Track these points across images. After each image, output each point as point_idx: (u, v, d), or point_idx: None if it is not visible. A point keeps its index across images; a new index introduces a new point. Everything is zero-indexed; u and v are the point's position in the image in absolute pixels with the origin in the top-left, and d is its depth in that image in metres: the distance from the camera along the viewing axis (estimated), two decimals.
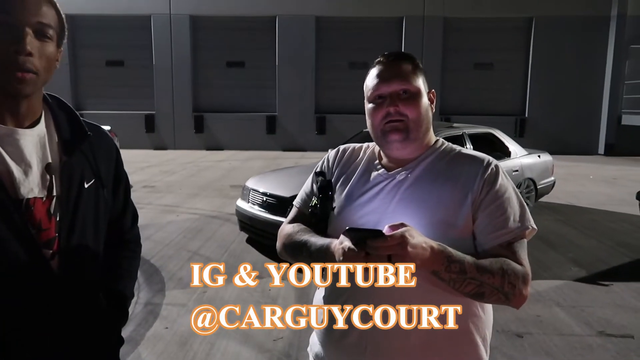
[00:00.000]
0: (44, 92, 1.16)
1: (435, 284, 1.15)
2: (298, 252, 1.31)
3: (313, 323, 1.40)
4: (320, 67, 16.58)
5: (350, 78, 16.55)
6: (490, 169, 1.22)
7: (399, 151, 1.27)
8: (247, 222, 5.37)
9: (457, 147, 1.33)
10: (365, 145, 1.43)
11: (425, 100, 1.28)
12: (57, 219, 1.11)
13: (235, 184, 9.49)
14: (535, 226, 1.21)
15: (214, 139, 16.64)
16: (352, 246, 1.05)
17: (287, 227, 1.40)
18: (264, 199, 5.18)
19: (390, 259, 1.01)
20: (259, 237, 5.30)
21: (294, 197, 5.18)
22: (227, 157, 14.25)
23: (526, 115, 16.68)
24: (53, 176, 1.10)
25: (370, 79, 1.29)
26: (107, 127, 9.63)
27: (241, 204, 5.53)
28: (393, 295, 1.18)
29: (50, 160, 1.11)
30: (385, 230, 1.03)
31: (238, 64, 16.76)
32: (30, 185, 1.07)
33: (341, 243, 1.10)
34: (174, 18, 16.28)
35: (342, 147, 1.45)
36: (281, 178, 5.66)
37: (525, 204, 1.24)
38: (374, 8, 16.02)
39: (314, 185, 1.39)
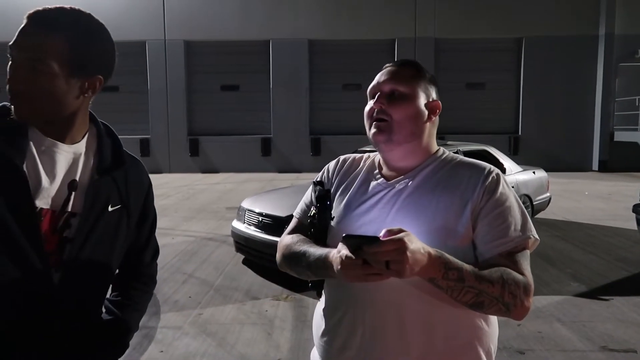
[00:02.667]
0: (98, 120, 1.23)
1: (436, 296, 1.12)
2: (297, 262, 1.28)
3: (314, 338, 1.37)
4: (314, 90, 16.73)
5: (344, 100, 16.72)
6: (491, 177, 1.20)
7: (387, 154, 1.27)
8: (243, 243, 5.32)
9: (458, 156, 1.31)
10: (365, 155, 1.41)
11: (418, 104, 1.25)
12: (65, 234, 1.12)
13: (231, 206, 9.44)
14: (537, 237, 1.18)
15: (209, 161, 16.63)
16: (350, 254, 1.02)
17: (286, 238, 1.37)
18: (260, 219, 5.14)
19: (388, 265, 0.98)
20: (255, 257, 5.24)
21: (290, 216, 5.14)
22: (222, 180, 14.22)
23: (519, 134, 16.81)
24: (73, 193, 1.13)
25: (374, 80, 1.30)
26: None
27: (237, 224, 5.48)
28: (392, 309, 1.15)
29: (76, 178, 1.14)
30: (383, 235, 1.00)
31: (232, 87, 16.88)
32: (48, 197, 1.10)
33: (339, 252, 1.07)
34: (169, 43, 16.44)
35: (342, 157, 1.43)
36: (277, 198, 5.64)
37: (527, 213, 1.21)
38: (366, 31, 16.26)
39: (313, 195, 1.37)
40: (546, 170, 7.94)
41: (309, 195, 1.42)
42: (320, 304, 1.36)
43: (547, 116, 16.47)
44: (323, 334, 1.29)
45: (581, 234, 7.10)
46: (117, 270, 1.30)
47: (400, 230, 1.01)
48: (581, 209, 9.16)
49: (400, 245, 0.97)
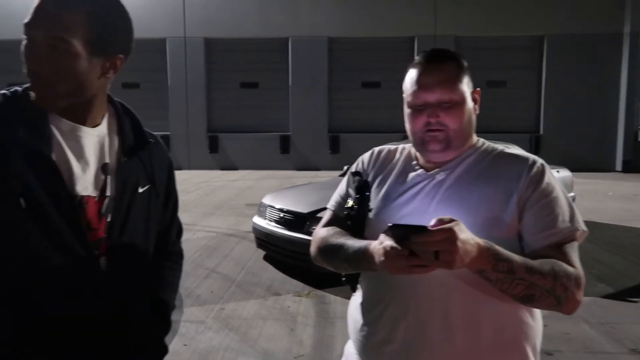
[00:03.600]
0: (114, 99, 1.20)
1: (482, 290, 1.09)
2: (333, 255, 1.26)
3: (350, 332, 1.35)
4: (333, 87, 16.70)
5: (363, 97, 16.67)
6: (536, 167, 1.17)
7: (438, 159, 1.23)
8: (264, 239, 5.34)
9: (499, 147, 1.28)
10: (400, 146, 1.38)
11: (468, 105, 1.22)
12: (108, 219, 1.10)
13: (250, 202, 9.48)
14: (585, 228, 1.15)
15: (228, 159, 16.72)
16: (395, 244, 0.99)
17: (321, 231, 1.35)
18: (281, 215, 5.14)
19: (437, 256, 0.95)
20: (276, 253, 5.26)
21: (312, 213, 5.09)
22: (241, 177, 14.29)
23: (541, 133, 16.55)
24: (108, 177, 1.11)
25: (410, 83, 1.22)
26: None
27: (258, 220, 5.50)
28: (437, 302, 1.13)
29: (107, 161, 1.12)
30: (433, 224, 0.97)
31: (251, 85, 16.94)
32: (86, 183, 1.07)
33: (381, 243, 1.04)
34: (189, 41, 16.56)
35: (376, 148, 1.40)
36: (298, 194, 5.64)
37: (574, 205, 1.18)
38: (386, 28, 16.16)
39: (350, 186, 1.33)
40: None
41: (343, 187, 1.40)
42: (357, 297, 1.34)
43: (569, 115, 16.17)
44: (362, 328, 1.27)
45: (606, 234, 6.96)
46: None
47: (451, 220, 0.98)
48: (605, 209, 8.98)
49: (451, 234, 0.94)
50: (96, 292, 1.08)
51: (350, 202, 1.28)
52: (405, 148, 1.36)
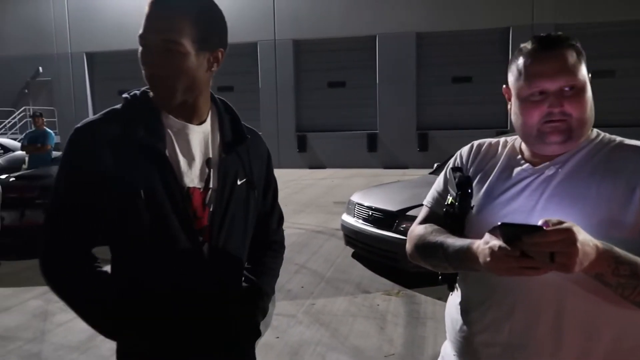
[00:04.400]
0: (216, 97, 1.29)
1: (600, 294, 1.00)
2: (432, 254, 1.21)
3: (448, 332, 1.30)
4: (422, 83, 16.34)
5: (453, 93, 16.15)
6: None
7: (558, 151, 1.13)
8: (352, 237, 5.35)
9: (617, 137, 1.16)
10: (502, 140, 1.30)
11: (589, 92, 1.11)
12: (211, 209, 1.20)
13: (338, 200, 9.56)
14: None
15: (316, 157, 17.01)
16: (504, 244, 0.92)
17: (418, 228, 1.30)
18: (370, 213, 5.12)
19: (553, 258, 0.87)
20: (365, 251, 5.25)
21: (401, 211, 4.98)
22: (328, 175, 14.46)
23: None
24: (212, 170, 1.21)
25: (523, 72, 1.11)
26: None
27: (346, 218, 5.52)
28: (548, 306, 1.05)
29: (210, 156, 1.22)
30: (542, 224, 0.89)
31: (339, 84, 17.08)
32: (192, 176, 1.18)
33: (487, 243, 0.98)
34: (278, 43, 17.06)
35: (475, 142, 1.32)
36: (386, 192, 5.58)
37: None
38: (478, 20, 15.49)
39: (450, 184, 1.26)
40: None
41: (441, 183, 1.34)
42: (455, 297, 1.28)
43: None
44: (461, 329, 1.22)
45: None
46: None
47: (559, 222, 0.89)
48: None
49: (569, 235, 0.86)
50: (199, 275, 1.18)
51: (450, 199, 1.22)
52: (508, 142, 1.28)
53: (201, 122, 1.22)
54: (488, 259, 0.96)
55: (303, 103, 17.42)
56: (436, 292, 4.31)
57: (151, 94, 1.18)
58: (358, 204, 5.38)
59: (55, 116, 18.38)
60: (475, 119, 15.78)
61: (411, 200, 4.92)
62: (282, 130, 17.31)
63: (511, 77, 1.16)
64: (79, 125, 1.14)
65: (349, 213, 5.56)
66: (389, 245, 4.76)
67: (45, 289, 1.44)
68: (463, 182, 1.20)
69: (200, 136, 1.21)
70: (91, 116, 1.18)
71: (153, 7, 1.10)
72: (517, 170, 1.19)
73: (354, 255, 5.60)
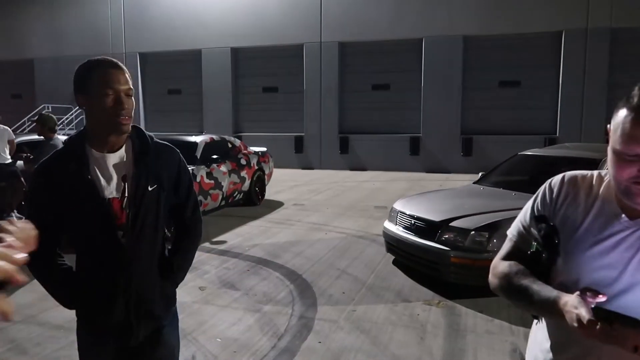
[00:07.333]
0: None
1: None
2: (517, 296, 1.22)
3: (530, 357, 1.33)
4: (468, 87, 16.09)
5: (500, 97, 15.82)
6: None
7: None
8: (394, 244, 5.40)
9: None
10: (595, 174, 1.23)
11: None
12: (127, 211, 1.66)
13: (380, 205, 9.59)
14: None
15: (358, 159, 17.05)
16: (592, 318, 0.94)
17: (502, 265, 1.29)
18: (412, 222, 5.15)
19: (636, 350, 0.91)
20: (406, 259, 5.29)
21: (444, 221, 4.97)
22: (370, 178, 14.48)
23: None
24: (126, 183, 1.67)
25: (622, 129, 1.06)
26: (263, 149, 10.48)
27: (389, 225, 5.57)
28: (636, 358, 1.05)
29: (125, 173, 1.67)
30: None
31: (383, 86, 17.04)
32: (111, 190, 1.66)
33: (575, 307, 0.99)
34: (324, 45, 17.19)
35: (567, 176, 1.26)
36: (429, 201, 5.59)
37: None
38: (529, 23, 15.10)
39: (535, 229, 1.24)
40: None
41: (527, 216, 1.29)
42: (540, 330, 1.29)
43: None
44: None
45: None
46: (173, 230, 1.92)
47: None
48: None
49: None
50: (118, 258, 1.66)
51: (535, 246, 1.22)
52: (603, 179, 1.21)
53: (118, 149, 1.68)
54: (575, 324, 0.98)
55: (347, 105, 17.49)
56: (478, 305, 4.32)
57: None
58: (400, 212, 5.42)
59: None
60: (522, 124, 15.41)
61: (455, 211, 4.93)
62: (325, 131, 17.44)
63: (612, 123, 1.12)
64: (36, 166, 1.71)
65: (391, 220, 5.60)
66: (431, 255, 4.80)
67: None
68: (549, 235, 1.19)
69: (117, 159, 1.68)
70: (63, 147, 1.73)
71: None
72: (612, 220, 1.14)
73: (394, 263, 5.65)
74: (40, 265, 1.67)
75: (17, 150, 7.54)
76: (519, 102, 15.54)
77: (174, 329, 1.88)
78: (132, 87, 1.63)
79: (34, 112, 18.40)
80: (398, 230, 5.34)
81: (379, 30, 16.49)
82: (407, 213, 5.29)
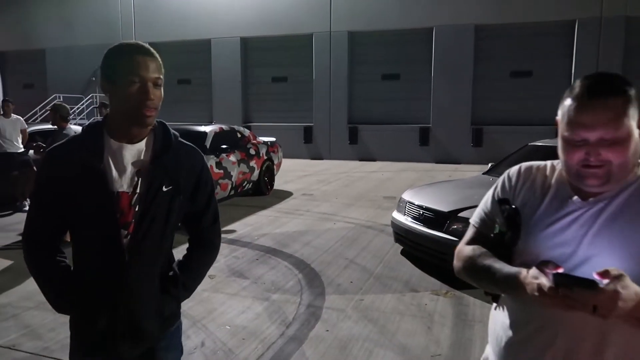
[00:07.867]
0: (157, 121, 1.59)
1: (638, 325, 1.05)
2: (479, 277, 1.28)
3: (490, 343, 1.37)
4: (478, 77, 15.95)
5: (512, 88, 15.69)
6: None
7: (596, 192, 1.16)
8: (402, 234, 5.41)
9: None
10: (549, 164, 1.32)
11: (635, 137, 1.12)
12: (136, 209, 1.50)
13: (389, 195, 9.59)
14: None
15: (367, 150, 17.03)
16: (552, 286, 1.00)
17: (466, 249, 1.36)
18: (421, 212, 5.16)
19: (595, 309, 0.96)
20: (414, 249, 5.30)
21: (452, 212, 4.98)
22: (379, 168, 14.46)
23: None
24: (140, 179, 1.51)
25: (567, 116, 1.15)
26: (272, 139, 10.50)
27: (397, 215, 5.58)
28: (591, 334, 1.11)
29: (140, 167, 1.52)
30: (598, 278, 0.97)
31: (393, 76, 16.96)
32: (122, 183, 1.50)
33: (535, 277, 1.05)
34: (334, 35, 17.11)
35: (523, 166, 1.34)
36: (438, 192, 5.58)
37: None
38: (541, 12, 14.90)
39: (498, 215, 1.30)
40: None
41: (488, 205, 1.37)
42: (500, 312, 1.35)
43: None
44: (505, 345, 1.28)
45: None
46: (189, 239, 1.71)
47: (620, 274, 0.98)
48: None
49: (615, 296, 0.95)
50: (118, 258, 1.49)
51: (497, 228, 1.27)
52: (556, 168, 1.30)
53: (139, 141, 1.53)
54: (536, 293, 1.04)
55: (356, 95, 17.43)
56: (485, 295, 4.32)
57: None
58: (409, 202, 5.42)
59: None
60: (533, 115, 15.26)
61: (463, 202, 4.92)
62: (334, 121, 17.42)
63: (560, 113, 1.20)
64: (48, 149, 1.54)
65: (399, 211, 5.61)
66: (439, 246, 4.80)
67: None
68: (512, 216, 1.24)
69: (135, 152, 1.52)
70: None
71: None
72: (566, 201, 1.22)
73: (403, 253, 5.66)
74: (39, 256, 1.55)
75: (30, 139, 7.64)
76: (531, 92, 15.38)
77: (172, 351, 1.67)
78: (162, 76, 1.47)
79: (46, 102, 18.57)
80: (406, 220, 5.35)
81: (389, 19, 16.37)
82: (416, 203, 5.29)
